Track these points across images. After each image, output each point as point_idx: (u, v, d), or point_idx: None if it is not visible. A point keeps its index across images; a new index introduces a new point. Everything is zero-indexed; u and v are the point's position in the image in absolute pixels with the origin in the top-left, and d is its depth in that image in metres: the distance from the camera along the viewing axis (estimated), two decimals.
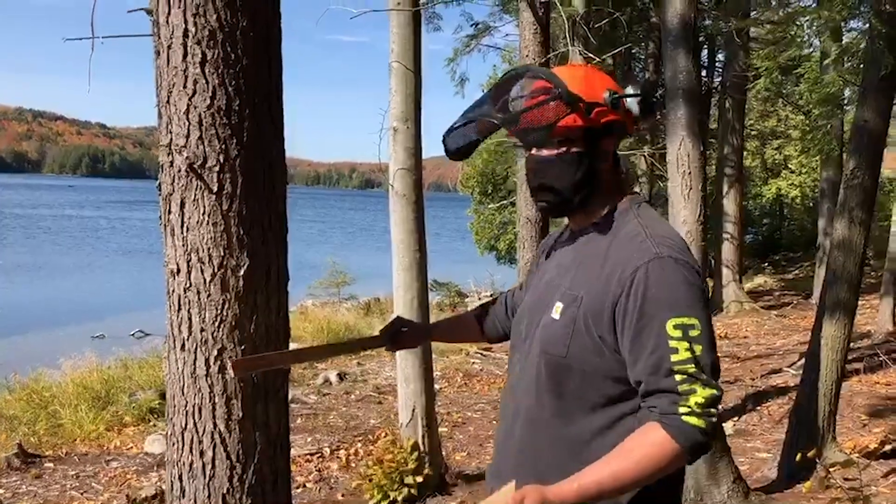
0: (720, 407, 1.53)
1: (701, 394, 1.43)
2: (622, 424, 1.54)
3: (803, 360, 5.53)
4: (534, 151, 1.63)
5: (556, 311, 1.59)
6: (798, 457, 4.51)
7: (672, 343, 1.44)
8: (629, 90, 1.59)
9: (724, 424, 5.24)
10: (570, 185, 1.59)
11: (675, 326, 1.44)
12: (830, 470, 3.71)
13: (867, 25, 5.44)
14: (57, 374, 8.46)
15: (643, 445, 1.43)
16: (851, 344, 5.39)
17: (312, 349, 1.97)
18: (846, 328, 4.97)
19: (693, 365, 1.43)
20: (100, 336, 13.79)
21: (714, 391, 1.45)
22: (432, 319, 5.93)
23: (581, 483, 1.41)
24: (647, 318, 1.46)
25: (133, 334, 14.10)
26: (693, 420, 1.42)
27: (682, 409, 1.42)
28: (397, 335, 2.01)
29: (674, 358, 1.43)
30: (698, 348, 1.45)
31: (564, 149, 1.58)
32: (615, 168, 1.66)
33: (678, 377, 1.43)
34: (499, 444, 1.74)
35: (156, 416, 7.40)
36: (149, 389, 8.05)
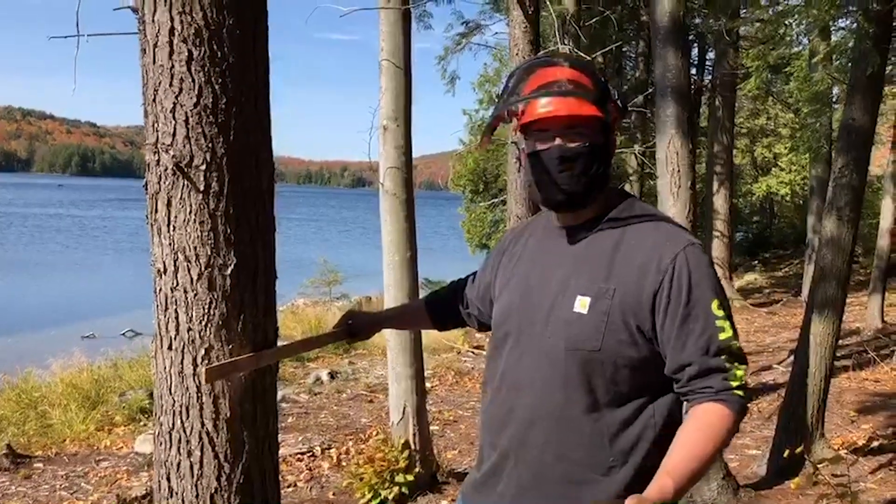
0: None
1: (741, 369, 1.54)
2: (645, 413, 1.58)
3: (792, 358, 5.56)
4: (557, 142, 1.59)
5: (582, 305, 1.57)
6: (787, 453, 4.54)
7: (718, 323, 1.53)
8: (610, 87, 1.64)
9: None
10: (594, 176, 1.61)
11: (718, 306, 1.54)
12: (819, 466, 3.73)
13: (855, 24, 5.47)
14: (46, 373, 8.41)
15: (713, 425, 1.50)
16: (840, 341, 5.43)
17: (283, 348, 1.98)
18: (835, 325, 5.00)
19: (736, 341, 1.55)
20: (90, 336, 13.71)
21: (746, 365, 1.57)
22: None
23: (675, 478, 1.44)
24: (694, 301, 1.53)
25: (124, 334, 14.03)
26: (742, 393, 1.53)
27: (734, 384, 1.52)
28: (351, 327, 2.09)
29: (721, 336, 1.52)
30: (734, 325, 1.56)
31: (590, 142, 1.59)
32: None
33: (724, 356, 1.52)
34: (506, 448, 1.66)
35: (146, 415, 7.37)
36: (139, 389, 8.02)
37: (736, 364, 1.53)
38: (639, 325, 1.54)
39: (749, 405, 1.58)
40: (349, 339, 2.12)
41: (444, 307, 2.08)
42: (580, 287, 1.59)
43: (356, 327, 2.10)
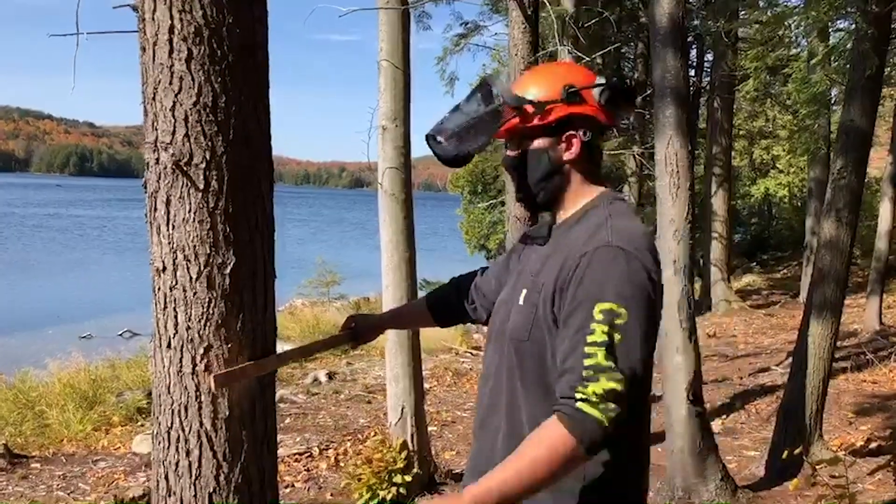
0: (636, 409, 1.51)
1: (603, 384, 1.38)
2: None
3: (791, 359, 5.56)
4: (508, 152, 1.70)
5: (521, 297, 1.64)
6: (785, 455, 4.54)
7: (593, 325, 1.42)
8: (598, 81, 1.64)
9: (712, 423, 5.27)
10: (534, 180, 1.67)
11: (602, 311, 1.43)
12: (817, 467, 3.73)
13: (853, 26, 5.47)
14: (44, 373, 8.40)
15: (540, 443, 1.41)
16: (838, 342, 5.43)
17: (287, 353, 1.99)
18: (833, 327, 5.01)
19: (605, 350, 1.40)
20: (87, 336, 13.69)
21: (617, 386, 1.38)
22: None
23: (493, 488, 1.41)
24: (579, 300, 1.47)
25: (121, 334, 14.01)
26: (587, 408, 1.38)
27: (578, 395, 1.38)
28: (354, 331, 2.11)
29: (589, 339, 1.41)
30: (618, 337, 1.41)
31: (521, 149, 1.66)
32: (590, 162, 1.68)
33: (587, 361, 1.40)
34: (478, 441, 1.75)
35: (143, 415, 7.36)
36: (136, 389, 8.01)
37: (601, 378, 1.38)
38: (554, 318, 1.56)
39: (606, 428, 1.36)
40: (353, 344, 2.14)
41: (446, 304, 2.10)
42: (529, 280, 1.66)
43: (359, 331, 2.12)
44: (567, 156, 1.64)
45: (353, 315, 2.17)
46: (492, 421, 1.68)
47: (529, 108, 1.60)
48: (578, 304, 1.47)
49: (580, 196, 1.66)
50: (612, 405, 1.38)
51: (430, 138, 1.69)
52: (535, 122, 1.61)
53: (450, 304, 2.08)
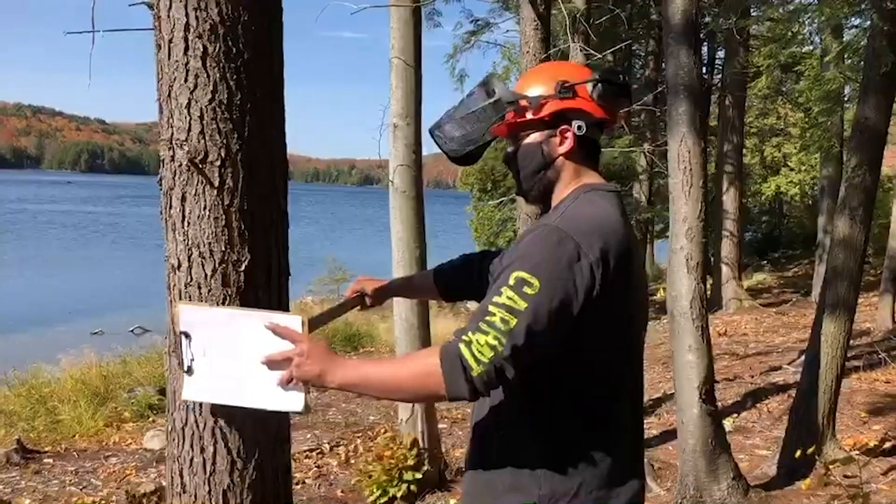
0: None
1: (489, 339, 1.42)
2: (512, 402, 1.58)
3: (803, 358, 5.53)
4: (507, 148, 1.75)
5: None
6: (797, 454, 4.52)
7: (503, 288, 1.46)
8: (592, 76, 1.66)
9: (723, 422, 5.25)
10: (527, 174, 1.70)
11: (516, 278, 1.46)
12: (830, 467, 3.71)
13: (868, 23, 5.43)
14: (56, 370, 8.47)
15: (416, 362, 1.53)
16: (851, 341, 5.39)
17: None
18: (846, 326, 4.97)
19: (505, 312, 1.43)
20: (99, 332, 13.78)
21: (500, 348, 1.42)
22: (432, 316, 6.00)
23: (360, 371, 1.55)
24: (503, 267, 1.52)
25: (132, 330, 14.08)
26: (464, 350, 1.43)
27: (463, 338, 1.44)
28: (363, 296, 2.18)
29: (495, 299, 1.45)
30: (522, 304, 1.44)
31: (517, 144, 1.71)
32: (584, 156, 1.68)
33: (486, 317, 1.44)
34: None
35: (154, 412, 7.41)
36: (148, 385, 8.06)
37: (491, 333, 1.42)
38: None
39: (473, 380, 1.42)
40: (361, 307, 2.20)
41: (454, 279, 2.12)
42: None
43: (371, 294, 2.17)
44: (561, 149, 1.66)
45: (362, 280, 2.20)
46: (475, 413, 1.69)
47: (524, 104, 1.65)
48: (501, 271, 1.51)
49: (569, 189, 1.67)
50: (488, 361, 1.42)
51: (433, 132, 1.74)
52: (530, 116, 1.65)
53: (457, 279, 2.11)
